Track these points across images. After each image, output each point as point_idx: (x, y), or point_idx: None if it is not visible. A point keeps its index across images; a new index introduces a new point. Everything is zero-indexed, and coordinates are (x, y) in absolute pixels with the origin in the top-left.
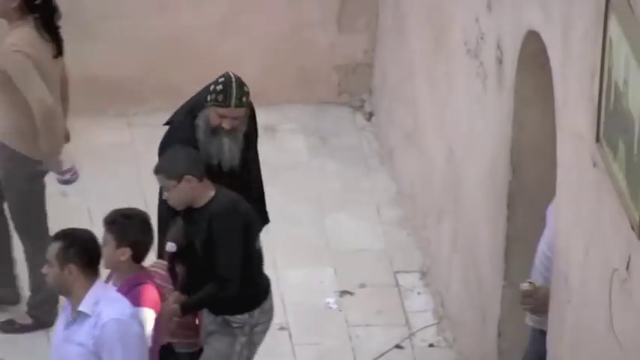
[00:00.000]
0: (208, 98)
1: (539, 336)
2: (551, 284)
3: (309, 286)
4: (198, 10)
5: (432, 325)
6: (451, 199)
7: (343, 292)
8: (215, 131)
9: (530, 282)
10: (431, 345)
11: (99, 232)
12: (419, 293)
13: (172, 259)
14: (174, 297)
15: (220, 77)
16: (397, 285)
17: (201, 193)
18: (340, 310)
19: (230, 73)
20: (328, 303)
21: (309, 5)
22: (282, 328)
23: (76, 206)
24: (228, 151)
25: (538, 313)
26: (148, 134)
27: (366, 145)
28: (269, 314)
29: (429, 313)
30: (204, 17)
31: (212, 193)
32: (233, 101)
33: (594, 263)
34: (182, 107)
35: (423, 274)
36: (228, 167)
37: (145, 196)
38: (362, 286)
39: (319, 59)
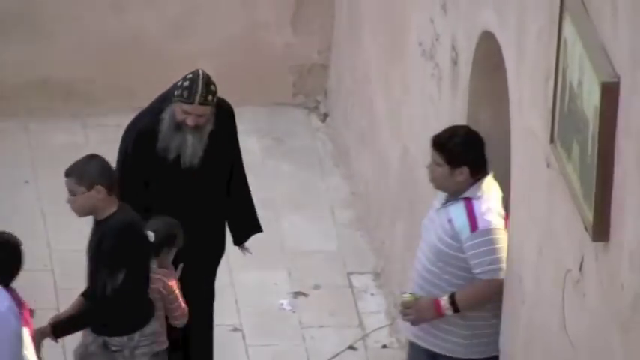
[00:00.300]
0: (175, 93)
1: (418, 351)
2: (504, 283)
3: (263, 287)
4: (152, 11)
5: (386, 326)
6: (405, 200)
7: (297, 294)
8: (179, 127)
9: (410, 293)
10: (384, 346)
11: (52, 232)
12: (372, 294)
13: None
14: (53, 317)
15: (189, 74)
16: (351, 286)
17: (106, 206)
18: (294, 312)
19: (199, 71)
20: (282, 304)
21: (263, 6)
22: (235, 330)
23: (29, 207)
24: (191, 147)
25: (418, 323)
26: (103, 135)
27: (320, 147)
28: (151, 338)
29: (383, 314)
30: (158, 18)
31: (114, 209)
32: (197, 98)
33: (548, 264)
34: (156, 98)
35: (377, 275)
36: (187, 164)
37: None
38: (316, 287)
39: (274, 60)
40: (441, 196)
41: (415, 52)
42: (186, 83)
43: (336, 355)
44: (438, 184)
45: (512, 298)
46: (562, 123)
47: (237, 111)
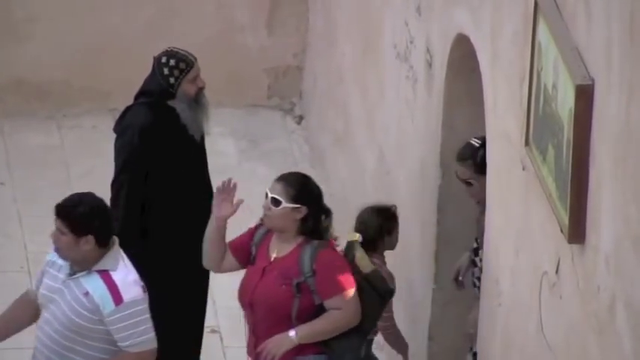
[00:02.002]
0: (171, 80)
1: None
2: (481, 286)
3: None
4: (127, 13)
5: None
6: (382, 201)
7: None
8: (197, 100)
9: None
10: None
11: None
12: None
13: None
14: None
15: (162, 57)
16: None
17: None
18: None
19: (165, 50)
20: None
21: (238, 8)
22: (213, 331)
23: (5, 208)
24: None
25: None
26: (78, 136)
27: (296, 149)
28: None
29: None
30: (133, 19)
31: None
32: (191, 58)
33: (524, 266)
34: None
35: None
36: (206, 132)
37: None
38: None
39: (249, 62)
40: (63, 265)
41: (390, 55)
42: (172, 61)
43: None
44: (63, 254)
45: (489, 301)
46: (537, 126)
47: (212, 113)
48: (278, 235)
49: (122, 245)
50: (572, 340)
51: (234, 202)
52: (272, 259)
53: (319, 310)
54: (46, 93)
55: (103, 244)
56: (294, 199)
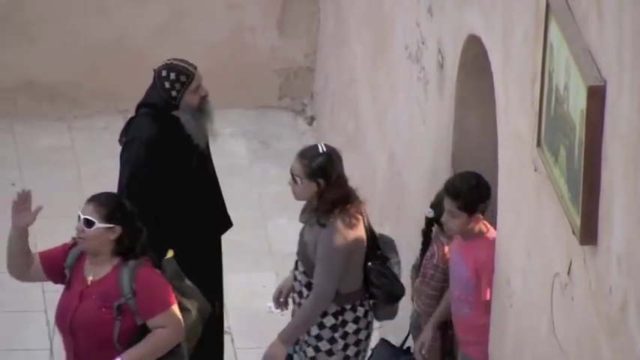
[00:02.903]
0: (173, 93)
1: None
2: (492, 287)
3: (251, 290)
4: (139, 14)
5: (375, 328)
6: (393, 203)
7: None
8: (201, 109)
9: None
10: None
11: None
12: None
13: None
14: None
15: (162, 71)
16: None
17: None
18: (282, 315)
19: (165, 63)
20: (270, 307)
21: (249, 9)
22: (225, 333)
23: None
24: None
25: None
26: (88, 137)
27: None
28: None
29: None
30: (145, 20)
31: None
32: (192, 69)
33: (536, 267)
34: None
35: None
36: (212, 138)
37: (84, 198)
38: None
39: (260, 63)
40: None
41: (401, 56)
42: (173, 74)
43: None
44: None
45: (501, 302)
46: (549, 127)
47: (224, 114)
48: (92, 258)
49: None
50: (583, 341)
51: (33, 209)
52: (89, 282)
53: (141, 331)
54: (56, 94)
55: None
56: (107, 219)
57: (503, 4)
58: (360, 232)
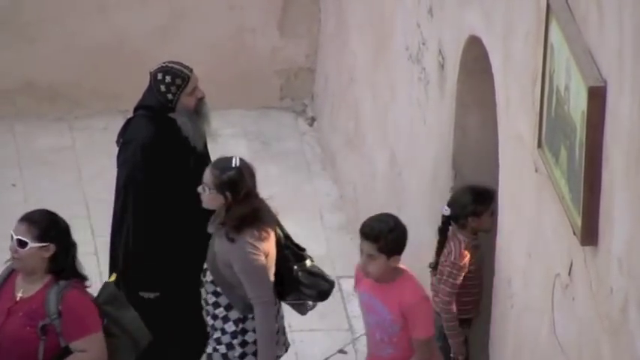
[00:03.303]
0: (169, 97)
1: None
2: (493, 288)
3: None
4: (138, 14)
5: None
6: (393, 203)
7: None
8: (197, 111)
9: None
10: None
11: None
12: None
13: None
14: None
15: (158, 74)
16: (340, 289)
17: None
18: (283, 316)
19: (160, 66)
20: None
21: (250, 10)
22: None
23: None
24: (210, 117)
25: None
26: (89, 137)
27: (308, 150)
28: None
29: None
30: (145, 21)
31: None
32: (187, 71)
33: (537, 268)
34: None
35: None
36: (210, 137)
37: (85, 198)
38: None
39: (261, 64)
40: None
41: (402, 56)
42: (168, 78)
43: (326, 359)
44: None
45: (501, 302)
46: (549, 127)
47: (224, 114)
48: (24, 275)
49: (137, 258)
50: (584, 342)
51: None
52: (17, 299)
53: (65, 353)
54: (57, 94)
55: None
56: (40, 238)
57: (504, 5)
58: (269, 245)
